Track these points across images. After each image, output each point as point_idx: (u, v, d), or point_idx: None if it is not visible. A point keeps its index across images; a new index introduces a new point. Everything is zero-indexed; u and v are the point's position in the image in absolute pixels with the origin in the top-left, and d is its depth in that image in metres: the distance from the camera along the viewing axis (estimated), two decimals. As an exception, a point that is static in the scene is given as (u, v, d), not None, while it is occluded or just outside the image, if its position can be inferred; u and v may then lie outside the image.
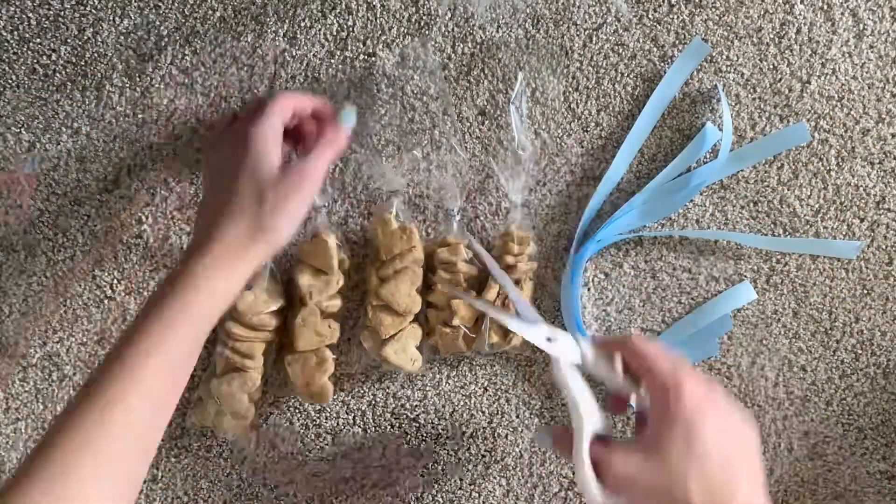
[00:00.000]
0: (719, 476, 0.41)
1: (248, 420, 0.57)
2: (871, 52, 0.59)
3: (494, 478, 0.62)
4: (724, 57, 0.59)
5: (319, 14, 0.58)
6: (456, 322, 0.56)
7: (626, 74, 0.59)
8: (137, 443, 0.42)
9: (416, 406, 0.61)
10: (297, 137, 0.53)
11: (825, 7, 0.59)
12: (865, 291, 0.61)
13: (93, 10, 0.57)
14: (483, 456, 0.62)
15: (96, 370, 0.42)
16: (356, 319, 0.59)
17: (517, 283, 0.56)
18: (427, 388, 0.61)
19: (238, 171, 0.47)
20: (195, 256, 0.45)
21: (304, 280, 0.55)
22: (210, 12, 0.57)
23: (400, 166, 0.58)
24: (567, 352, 0.47)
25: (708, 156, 0.59)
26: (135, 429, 0.41)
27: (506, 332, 0.57)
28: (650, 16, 0.59)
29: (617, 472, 0.42)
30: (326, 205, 0.58)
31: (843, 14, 0.59)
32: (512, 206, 0.58)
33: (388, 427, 0.61)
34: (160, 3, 0.57)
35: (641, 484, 0.41)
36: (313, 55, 0.58)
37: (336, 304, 0.56)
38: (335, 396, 0.61)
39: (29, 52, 0.57)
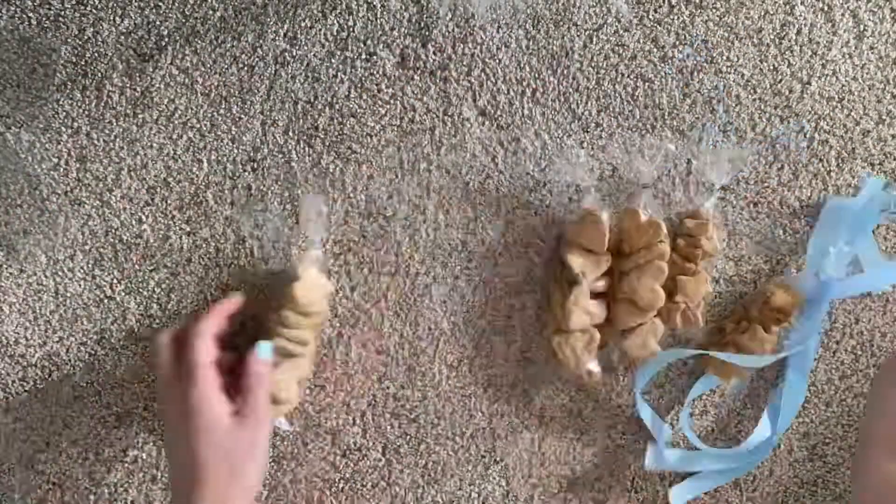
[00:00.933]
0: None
1: (293, 405, 0.57)
2: (872, 53, 0.59)
3: (494, 478, 0.62)
4: (724, 58, 0.59)
5: (320, 14, 0.58)
6: (678, 298, 0.57)
7: (626, 75, 0.59)
8: None
9: (416, 406, 0.61)
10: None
11: (826, 8, 0.59)
12: (865, 293, 0.61)
13: (93, 10, 0.57)
14: (483, 456, 0.62)
15: None
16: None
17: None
18: (427, 389, 0.61)
19: (190, 447, 0.49)
20: None
21: (576, 260, 0.55)
22: (210, 12, 0.57)
23: (654, 159, 0.58)
24: None
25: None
26: None
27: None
28: (650, 17, 0.59)
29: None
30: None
31: (843, 15, 0.59)
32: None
33: (388, 427, 0.61)
34: (160, 3, 0.57)
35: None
36: (314, 55, 0.58)
37: (603, 283, 0.57)
38: (335, 396, 0.60)
39: (29, 52, 0.57)
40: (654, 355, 0.57)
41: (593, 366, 0.57)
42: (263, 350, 0.53)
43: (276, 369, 0.54)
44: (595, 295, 0.57)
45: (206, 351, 0.51)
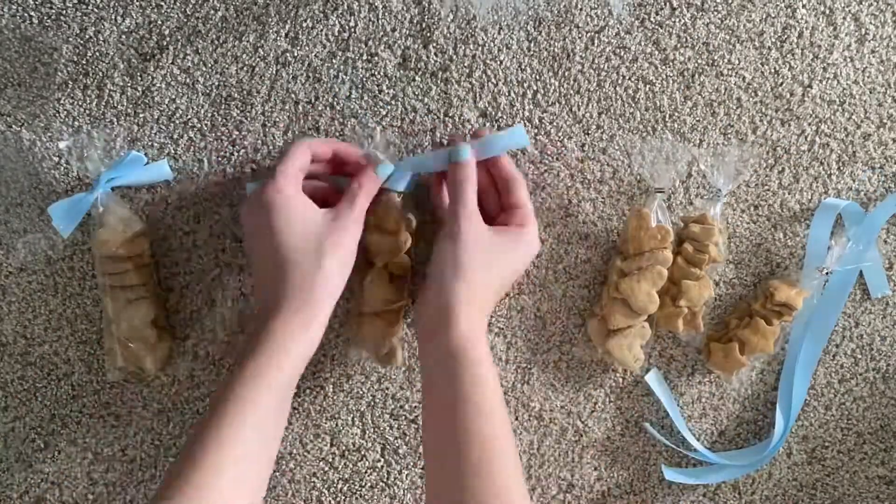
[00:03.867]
0: (497, 286, 0.53)
1: (164, 351, 0.57)
2: (873, 56, 0.59)
3: (493, 480, 0.62)
4: (725, 60, 0.59)
5: (321, 14, 0.58)
6: (682, 303, 0.57)
7: (627, 77, 0.59)
8: (264, 447, 0.47)
9: (416, 407, 0.61)
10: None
11: (827, 11, 0.59)
12: (865, 296, 0.61)
13: (95, 9, 0.57)
14: (482, 458, 0.62)
15: (215, 398, 0.47)
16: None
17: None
18: (426, 390, 0.61)
19: (273, 241, 0.48)
20: (266, 328, 0.47)
21: (371, 240, 0.55)
22: (212, 12, 0.57)
23: (676, 164, 0.58)
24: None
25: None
26: (263, 432, 0.46)
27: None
28: (652, 19, 0.59)
29: (475, 231, 0.51)
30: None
31: (844, 18, 0.59)
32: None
33: (387, 428, 0.61)
34: (162, 3, 0.57)
35: (471, 250, 0.50)
36: (315, 55, 0.58)
37: (405, 264, 0.56)
38: (334, 396, 0.60)
39: (31, 51, 0.57)
40: (636, 360, 0.58)
41: (393, 347, 0.57)
42: (383, 170, 0.53)
43: None
44: (394, 277, 0.56)
45: (294, 166, 0.50)
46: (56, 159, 0.57)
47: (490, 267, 0.51)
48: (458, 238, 0.50)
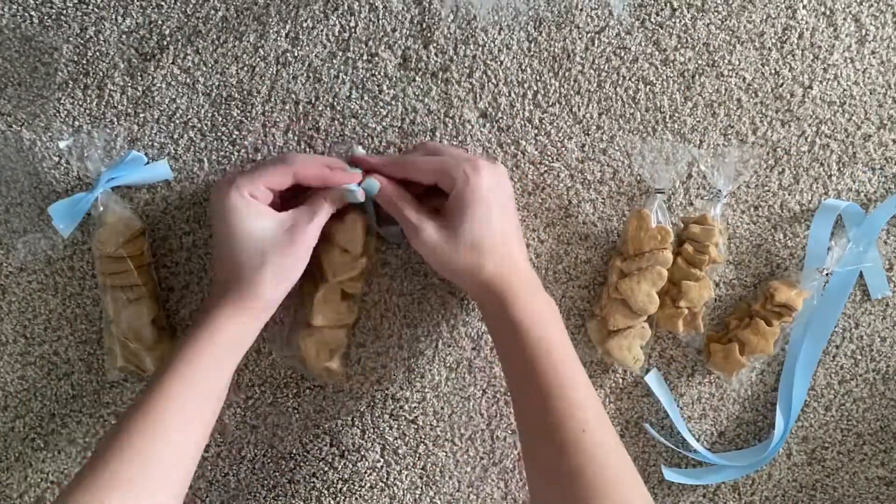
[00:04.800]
0: (502, 249, 0.51)
1: (164, 351, 0.57)
2: (873, 57, 0.59)
3: (493, 480, 0.62)
4: (725, 61, 0.59)
5: (322, 15, 0.58)
6: (682, 303, 0.57)
7: (627, 78, 0.59)
8: (189, 448, 0.47)
9: (415, 408, 0.61)
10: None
11: (827, 12, 0.59)
12: (865, 296, 0.61)
13: (95, 9, 0.57)
14: (481, 458, 0.62)
15: (149, 385, 0.47)
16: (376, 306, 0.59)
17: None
18: (426, 390, 0.61)
19: (226, 240, 0.49)
20: (207, 314, 0.49)
21: (330, 258, 0.55)
22: (212, 12, 0.57)
23: (674, 163, 0.58)
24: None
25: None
26: (187, 434, 0.47)
27: None
28: (652, 19, 0.58)
29: (426, 236, 0.50)
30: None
31: (845, 19, 0.59)
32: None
33: (387, 428, 0.61)
34: (162, 3, 0.57)
35: (440, 252, 0.50)
36: (315, 56, 0.58)
37: (357, 286, 0.57)
38: (334, 396, 0.60)
39: (31, 50, 0.57)
40: (636, 361, 0.58)
41: (335, 364, 0.57)
42: (371, 187, 0.52)
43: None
44: (345, 295, 0.57)
45: (263, 180, 0.50)
46: (56, 159, 0.57)
47: (470, 249, 0.50)
48: (426, 256, 0.52)
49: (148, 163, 0.57)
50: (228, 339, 0.49)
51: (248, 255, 0.49)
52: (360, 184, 0.52)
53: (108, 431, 0.45)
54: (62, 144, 0.55)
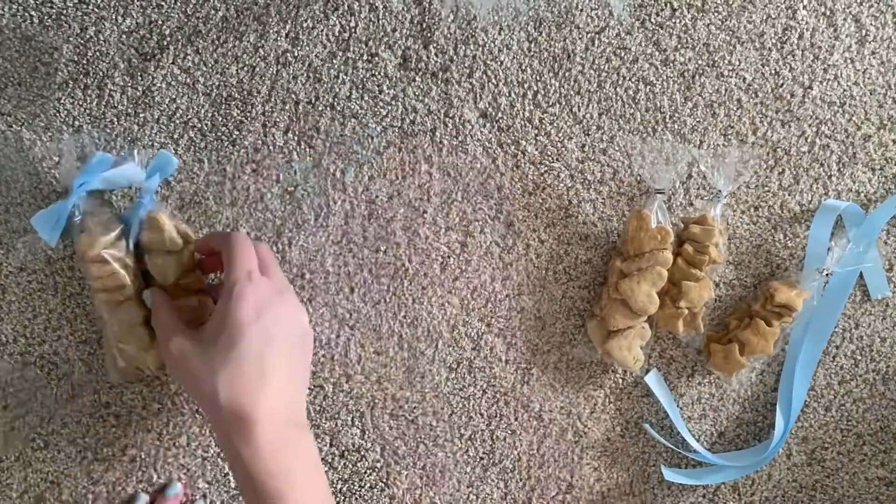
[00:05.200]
0: (248, 384, 0.43)
1: (155, 349, 0.56)
2: (873, 58, 0.59)
3: (492, 480, 0.62)
4: (726, 61, 0.59)
5: (322, 15, 0.58)
6: (682, 304, 0.57)
7: (627, 78, 0.59)
8: None
9: (415, 408, 0.61)
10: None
11: (827, 13, 0.59)
12: (865, 297, 0.61)
13: (95, 9, 0.57)
14: (481, 458, 0.62)
15: None
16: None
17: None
18: (426, 391, 0.61)
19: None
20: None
21: (155, 263, 0.54)
22: (212, 12, 0.57)
23: (674, 163, 0.58)
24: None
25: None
26: None
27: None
28: (652, 20, 0.59)
29: (171, 348, 0.47)
30: (158, 188, 0.57)
31: (845, 20, 0.59)
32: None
33: (387, 428, 0.61)
34: (163, 3, 0.57)
35: (183, 367, 0.45)
36: (315, 56, 0.58)
37: (195, 277, 0.55)
38: (334, 397, 0.60)
39: (31, 50, 0.57)
40: (636, 361, 0.58)
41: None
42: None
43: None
44: (191, 291, 0.55)
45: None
46: (56, 159, 0.57)
47: (212, 383, 0.44)
48: (171, 367, 0.49)
49: (149, 163, 0.57)
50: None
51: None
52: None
53: None
54: (32, 153, 0.55)
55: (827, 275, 0.59)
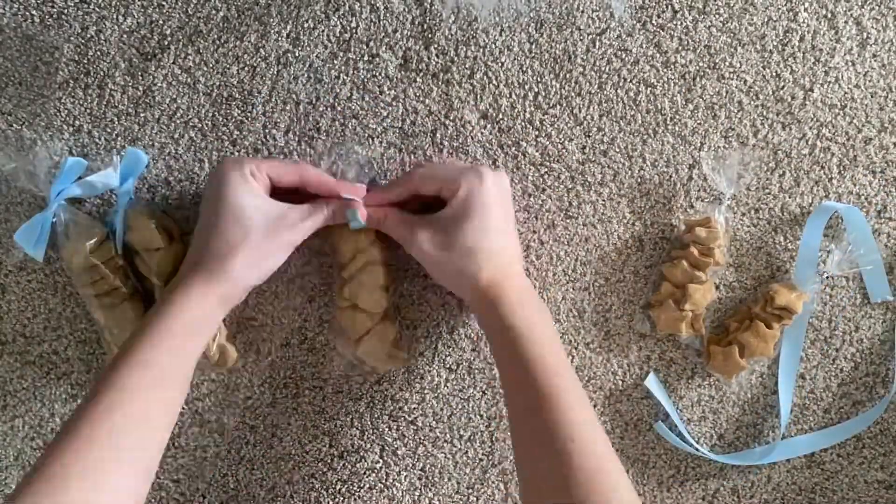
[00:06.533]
0: (497, 257, 0.51)
1: None
2: (875, 60, 0.59)
3: (492, 482, 0.62)
4: (727, 63, 0.59)
5: (323, 15, 0.58)
6: (687, 307, 0.57)
7: (628, 80, 0.59)
8: (149, 434, 0.45)
9: (415, 409, 0.61)
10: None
11: (829, 15, 0.59)
12: (865, 300, 0.61)
13: (96, 9, 0.57)
14: (481, 460, 0.62)
15: (105, 372, 0.45)
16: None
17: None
18: (425, 391, 0.61)
19: (212, 211, 0.49)
20: (172, 292, 0.48)
21: (144, 262, 0.55)
22: (213, 12, 0.57)
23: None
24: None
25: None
26: (148, 420, 0.44)
27: None
28: (653, 21, 0.58)
29: (421, 240, 0.51)
30: (143, 187, 0.57)
31: (846, 22, 0.59)
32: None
33: (386, 429, 0.61)
34: (163, 3, 0.57)
35: (437, 256, 0.50)
36: (316, 56, 0.58)
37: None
38: (334, 397, 0.60)
39: (32, 49, 0.57)
40: (391, 358, 0.57)
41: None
42: (353, 216, 0.52)
43: None
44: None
45: (272, 169, 0.51)
46: (56, 158, 0.57)
47: (470, 251, 0.50)
48: (423, 261, 0.52)
49: (149, 164, 0.57)
50: (193, 319, 0.48)
51: (229, 229, 0.48)
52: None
53: (71, 418, 0.43)
54: (6, 168, 0.54)
55: (827, 277, 0.59)
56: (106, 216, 0.57)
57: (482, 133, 0.59)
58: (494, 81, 0.58)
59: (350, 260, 0.55)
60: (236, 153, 0.58)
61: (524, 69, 0.58)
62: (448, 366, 0.61)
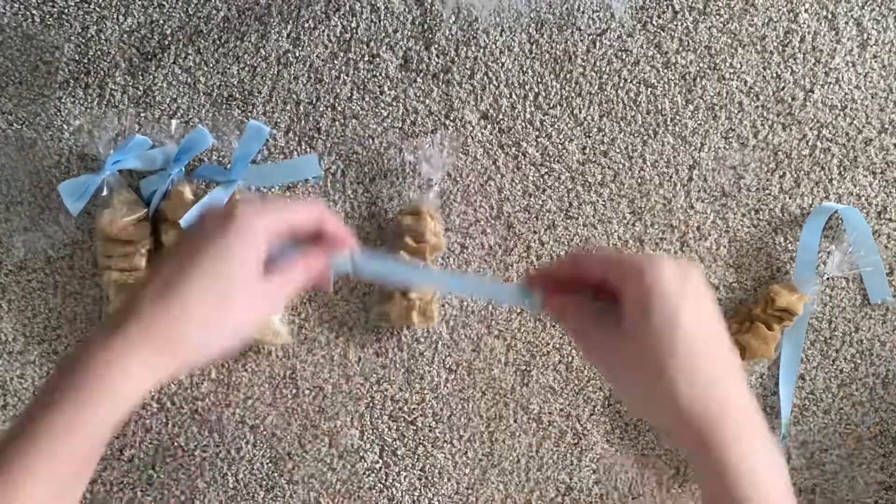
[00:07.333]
0: (703, 366, 0.35)
1: None
2: (875, 61, 0.59)
3: (492, 482, 0.62)
4: (727, 64, 0.59)
5: (323, 15, 0.58)
6: (413, 295, 0.56)
7: (629, 80, 0.59)
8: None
9: (414, 409, 0.61)
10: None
11: (829, 16, 0.59)
12: (865, 301, 0.61)
13: (97, 8, 0.57)
14: (480, 460, 0.62)
15: (7, 437, 0.35)
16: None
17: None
18: (425, 392, 0.61)
19: (199, 269, 0.36)
20: (108, 351, 0.35)
21: (169, 238, 0.55)
22: (214, 12, 0.57)
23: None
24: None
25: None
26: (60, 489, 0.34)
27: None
28: (654, 22, 0.58)
29: (590, 347, 0.39)
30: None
31: (847, 23, 0.59)
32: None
33: (386, 429, 0.61)
34: (164, 3, 0.57)
35: (613, 367, 0.38)
36: (316, 56, 0.58)
37: None
38: (333, 397, 0.60)
39: (32, 49, 0.57)
40: (277, 334, 0.57)
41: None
42: (341, 264, 0.41)
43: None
44: None
45: (280, 219, 0.38)
46: (57, 158, 0.57)
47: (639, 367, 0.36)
48: (600, 370, 0.43)
49: (154, 146, 0.58)
50: (134, 391, 0.35)
51: (218, 298, 0.36)
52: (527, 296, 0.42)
53: None
54: (75, 123, 0.56)
55: (827, 278, 0.59)
56: (147, 178, 0.57)
57: (482, 133, 0.59)
58: (495, 82, 0.58)
59: None
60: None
61: (524, 69, 0.58)
62: (448, 366, 0.61)
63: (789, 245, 0.60)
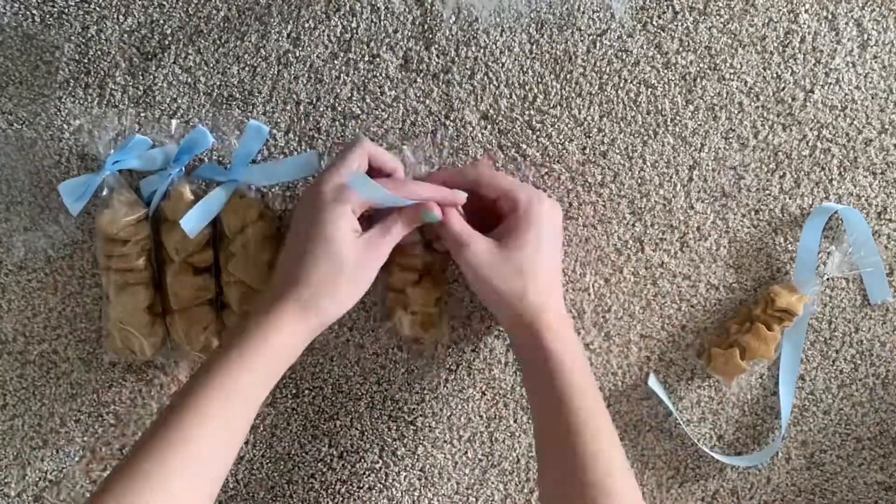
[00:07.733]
0: (545, 281, 0.52)
1: (158, 337, 0.56)
2: (875, 62, 0.59)
3: (492, 482, 0.62)
4: (727, 65, 0.59)
5: (323, 15, 0.58)
6: (415, 308, 0.56)
7: (629, 81, 0.59)
8: (222, 462, 0.46)
9: (414, 409, 0.61)
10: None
11: (829, 17, 0.59)
12: (865, 301, 0.61)
13: (97, 8, 0.57)
14: (480, 460, 0.62)
15: (185, 392, 0.45)
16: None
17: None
18: (425, 392, 0.61)
19: (310, 244, 0.48)
20: (264, 314, 0.48)
21: (169, 237, 0.55)
22: (214, 12, 0.57)
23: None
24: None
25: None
26: (219, 451, 0.45)
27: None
28: (654, 22, 0.58)
29: (474, 251, 0.51)
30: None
31: (847, 24, 0.59)
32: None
33: (386, 430, 0.61)
34: (164, 2, 0.57)
35: (487, 270, 0.51)
36: (317, 56, 0.58)
37: (206, 256, 0.56)
38: (333, 398, 0.60)
39: (32, 49, 0.57)
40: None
41: (210, 336, 0.57)
42: (430, 217, 0.51)
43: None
44: (198, 270, 0.56)
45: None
46: (57, 157, 0.57)
47: (523, 266, 0.51)
48: (469, 272, 0.52)
49: (154, 146, 0.57)
50: (284, 347, 0.47)
51: (324, 265, 0.48)
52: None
53: (146, 433, 0.43)
54: (75, 122, 0.56)
55: (827, 279, 0.59)
56: (147, 178, 0.57)
57: (482, 134, 0.59)
58: (495, 82, 0.58)
59: (238, 233, 0.55)
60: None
61: (525, 70, 0.58)
62: (448, 366, 0.61)
63: (789, 245, 0.60)
